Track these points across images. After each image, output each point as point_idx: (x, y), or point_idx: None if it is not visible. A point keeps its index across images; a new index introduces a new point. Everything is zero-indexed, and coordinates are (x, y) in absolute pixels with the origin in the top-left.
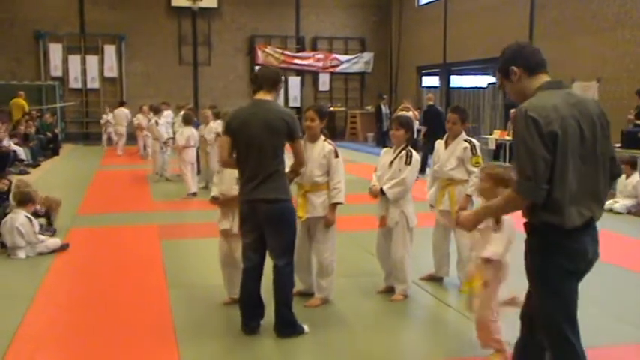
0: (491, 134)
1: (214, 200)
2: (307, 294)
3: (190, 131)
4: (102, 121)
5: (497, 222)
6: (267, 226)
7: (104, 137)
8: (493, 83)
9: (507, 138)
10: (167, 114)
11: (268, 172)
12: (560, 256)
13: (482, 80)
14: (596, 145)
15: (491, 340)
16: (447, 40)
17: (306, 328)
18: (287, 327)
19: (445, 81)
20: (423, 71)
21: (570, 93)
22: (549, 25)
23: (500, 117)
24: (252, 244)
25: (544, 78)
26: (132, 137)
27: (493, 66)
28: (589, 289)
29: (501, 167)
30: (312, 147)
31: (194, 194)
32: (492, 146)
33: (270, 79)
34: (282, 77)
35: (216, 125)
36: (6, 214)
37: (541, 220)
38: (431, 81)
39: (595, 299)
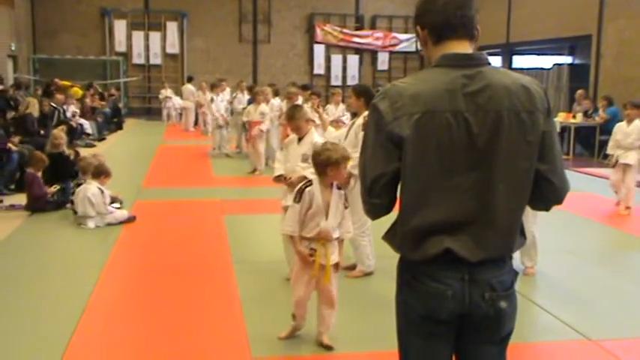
0: (555, 117)
1: (279, 179)
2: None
3: (262, 108)
4: (160, 97)
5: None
6: None
7: (164, 112)
8: (558, 64)
9: (573, 120)
10: (225, 91)
11: None
12: (406, 297)
13: (546, 61)
14: (497, 153)
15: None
16: (510, 20)
17: None
18: None
19: (507, 62)
20: (485, 51)
21: (473, 75)
22: (621, 2)
23: (565, 98)
24: None
25: (452, 48)
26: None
27: (559, 46)
28: None
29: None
30: None
31: (257, 171)
32: (557, 129)
33: None
34: None
35: (278, 103)
36: (79, 184)
37: (385, 240)
38: (492, 61)
39: None
